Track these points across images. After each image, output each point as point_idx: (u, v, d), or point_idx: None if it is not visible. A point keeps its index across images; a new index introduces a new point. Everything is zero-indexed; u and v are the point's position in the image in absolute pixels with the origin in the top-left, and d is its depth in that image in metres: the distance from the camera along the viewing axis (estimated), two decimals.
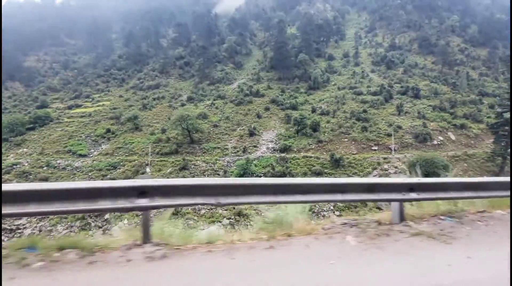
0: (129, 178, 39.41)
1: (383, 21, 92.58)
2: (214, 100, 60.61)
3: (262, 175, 36.66)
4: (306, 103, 56.27)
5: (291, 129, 46.71)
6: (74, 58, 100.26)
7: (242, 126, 49.57)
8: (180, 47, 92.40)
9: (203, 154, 43.08)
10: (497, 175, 33.73)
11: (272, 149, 42.76)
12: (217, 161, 40.30)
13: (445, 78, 59.02)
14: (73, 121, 57.38)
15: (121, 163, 42.89)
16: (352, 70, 66.18)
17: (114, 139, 50.73)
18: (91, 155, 47.58)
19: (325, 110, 50.57)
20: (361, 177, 34.52)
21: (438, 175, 29.44)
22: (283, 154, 39.80)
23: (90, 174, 41.99)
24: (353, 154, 39.55)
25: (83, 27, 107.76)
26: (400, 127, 42.52)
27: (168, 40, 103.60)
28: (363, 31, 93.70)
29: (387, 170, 34.40)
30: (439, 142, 39.91)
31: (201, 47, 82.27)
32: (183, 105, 60.02)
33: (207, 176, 37.35)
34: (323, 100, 55.48)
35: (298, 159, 38.79)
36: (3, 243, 3.02)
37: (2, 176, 37.14)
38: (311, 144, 42.21)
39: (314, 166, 36.80)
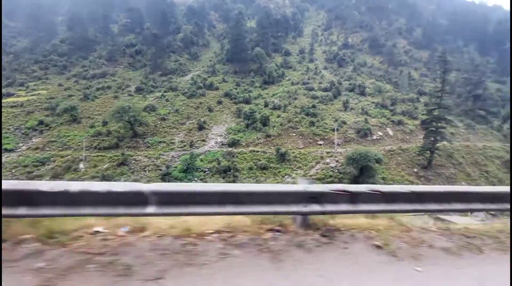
0: (59, 174, 35.71)
1: (338, 20, 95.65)
2: (165, 92, 57.58)
3: (207, 170, 35.61)
4: (260, 97, 56.01)
5: (241, 123, 46.06)
6: (13, 41, 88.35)
7: (192, 120, 47.70)
8: (131, 34, 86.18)
9: (147, 149, 40.57)
10: (425, 168, 36.71)
11: (221, 144, 41.74)
12: (161, 156, 38.18)
13: (390, 77, 62.82)
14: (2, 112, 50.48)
15: (51, 159, 38.65)
16: (306, 66, 67.33)
17: (47, 132, 45.66)
18: (19, 149, 42.33)
19: (277, 104, 50.69)
20: (305, 170, 35.24)
21: (372, 168, 30.90)
22: (230, 149, 39.00)
23: (13, 171, 37.26)
24: (299, 148, 40.15)
25: (25, 8, 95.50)
26: (344, 123, 44.13)
27: (119, 26, 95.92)
28: (320, 29, 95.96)
29: (328, 164, 35.43)
30: (378, 137, 42.20)
31: (155, 35, 77.65)
32: (130, 96, 56.11)
33: (148, 172, 35.27)
34: (276, 94, 55.59)
35: (245, 153, 38.30)
36: None
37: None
38: (260, 139, 41.98)
39: (260, 160, 36.63)
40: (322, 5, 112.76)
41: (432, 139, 36.58)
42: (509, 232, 4.02)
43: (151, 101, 53.57)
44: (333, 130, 42.53)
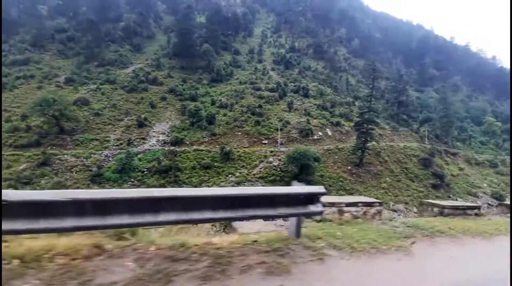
0: None
1: (287, 24, 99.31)
2: (101, 84, 52.39)
3: (145, 170, 33.42)
4: (207, 95, 54.90)
5: (186, 121, 44.45)
6: None
7: (131, 116, 44.32)
8: (63, 18, 76.64)
9: (75, 147, 36.30)
10: (357, 165, 40.25)
11: (163, 142, 39.62)
12: (92, 156, 34.53)
13: (330, 81, 67.45)
14: None
15: None
16: (254, 66, 68.24)
17: None
18: None
19: (224, 103, 50.27)
20: (248, 169, 35.54)
21: (310, 166, 32.57)
22: (172, 148, 37.28)
23: None
24: (244, 147, 40.39)
25: None
26: (288, 123, 45.88)
27: (49, 8, 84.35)
28: (270, 31, 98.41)
29: (271, 162, 36.35)
30: (318, 137, 44.90)
31: (91, 22, 69.99)
32: (59, 87, 49.59)
33: (75, 173, 31.60)
34: (223, 93, 55.10)
35: (189, 152, 37.02)
36: None
37: None
38: (205, 137, 41.06)
39: (204, 159, 35.79)
40: (272, 8, 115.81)
41: (363, 139, 40.23)
42: None
43: (83, 94, 48.21)
44: (277, 129, 43.85)
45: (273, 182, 33.61)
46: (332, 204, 5.50)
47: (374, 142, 41.76)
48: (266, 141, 41.77)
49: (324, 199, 3.97)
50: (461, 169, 49.58)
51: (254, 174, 34.54)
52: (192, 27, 71.74)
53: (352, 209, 5.64)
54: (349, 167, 39.46)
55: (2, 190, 2.24)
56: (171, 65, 65.36)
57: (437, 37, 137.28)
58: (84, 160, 33.75)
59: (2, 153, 33.96)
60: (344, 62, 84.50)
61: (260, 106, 48.82)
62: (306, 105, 53.33)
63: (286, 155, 33.24)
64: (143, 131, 41.55)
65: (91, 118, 42.32)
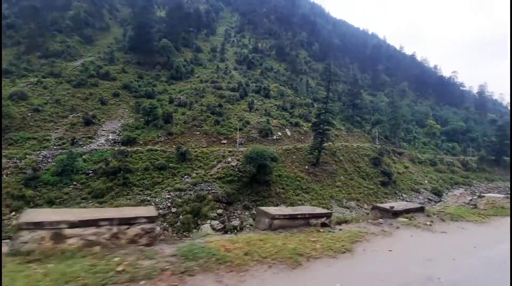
0: None
1: (250, 24, 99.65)
2: (44, 77, 47.24)
3: (90, 172, 30.72)
4: (165, 92, 52.57)
5: (141, 119, 41.98)
6: None
7: (78, 113, 40.58)
8: (3, 4, 67.69)
9: (8, 147, 32.07)
10: (314, 165, 41.53)
11: (113, 142, 36.87)
12: (27, 156, 30.78)
13: (291, 83, 69.10)
14: None
15: None
16: (216, 65, 67.17)
17: None
18: None
19: (183, 101, 48.55)
20: (206, 169, 34.59)
21: (267, 166, 32.74)
22: (123, 147, 34.85)
23: None
24: (202, 147, 39.34)
25: None
26: (248, 123, 45.78)
27: None
28: (233, 31, 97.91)
29: (230, 162, 35.83)
30: (278, 137, 45.52)
31: (35, 8, 62.94)
32: None
33: (6, 176, 27.91)
34: (183, 91, 53.25)
35: (142, 152, 34.91)
36: None
37: None
38: (160, 137, 39.13)
39: (158, 160, 34.03)
40: (236, 7, 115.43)
41: (320, 139, 41.65)
42: None
43: (21, 88, 42.98)
44: (237, 129, 43.51)
45: (231, 183, 33.17)
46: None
47: (330, 142, 43.42)
48: (225, 141, 41.15)
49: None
50: (406, 167, 53.98)
51: (211, 175, 33.71)
52: (151, 21, 68.31)
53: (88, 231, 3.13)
54: (306, 167, 40.55)
55: None
56: (126, 59, 61.42)
57: (389, 46, 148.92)
58: (18, 161, 29.93)
59: None
60: (305, 65, 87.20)
61: (220, 106, 48.04)
62: (267, 105, 53.82)
63: (244, 155, 33.00)
64: (90, 129, 38.23)
65: (29, 114, 37.84)
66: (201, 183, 32.33)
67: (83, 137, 36.33)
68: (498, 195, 16.62)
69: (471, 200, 22.84)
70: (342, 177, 41.88)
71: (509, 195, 16.82)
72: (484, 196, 16.64)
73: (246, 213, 30.44)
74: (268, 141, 44.04)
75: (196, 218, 27.66)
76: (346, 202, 36.73)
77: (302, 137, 48.41)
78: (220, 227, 27.01)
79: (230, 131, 43.17)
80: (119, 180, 29.86)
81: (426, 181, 52.53)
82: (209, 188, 31.87)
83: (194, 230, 26.00)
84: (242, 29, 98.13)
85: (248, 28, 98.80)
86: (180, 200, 29.15)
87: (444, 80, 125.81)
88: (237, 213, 29.99)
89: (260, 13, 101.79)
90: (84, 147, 34.92)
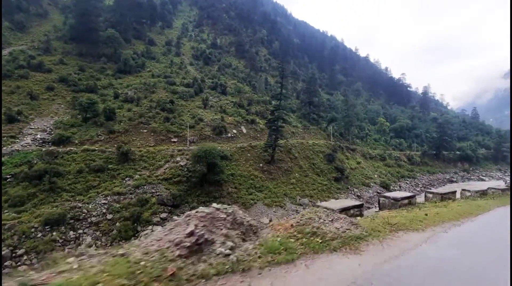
0: None
1: (210, 19, 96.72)
2: None
3: (8, 177, 26.38)
4: (111, 87, 48.10)
5: (78, 116, 37.59)
6: None
7: None
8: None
9: None
10: (269, 162, 40.99)
11: (41, 141, 32.34)
12: None
13: (250, 80, 68.20)
14: None
15: None
16: (171, 59, 63.63)
17: None
18: None
19: (130, 97, 44.78)
20: (151, 170, 31.99)
21: (217, 165, 31.25)
22: (52, 148, 30.68)
23: None
24: (149, 146, 36.47)
25: None
26: (201, 120, 43.72)
27: None
28: (192, 25, 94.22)
29: (178, 162, 33.62)
30: (233, 135, 44.19)
31: None
32: None
33: None
34: (131, 85, 49.24)
35: (76, 153, 31.06)
36: None
37: None
38: (100, 135, 35.34)
39: (96, 161, 30.56)
40: (195, 1, 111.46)
41: (274, 136, 41.19)
42: None
43: None
44: (190, 127, 41.28)
45: (179, 184, 31.06)
46: None
47: (284, 140, 43.24)
48: (175, 140, 38.66)
49: None
50: (358, 162, 56.30)
51: (157, 176, 31.21)
52: (96, 8, 62.24)
53: None
54: (261, 165, 39.82)
55: None
56: (66, 50, 55.13)
57: (345, 48, 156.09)
58: None
59: None
60: (264, 63, 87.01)
61: (172, 102, 45.24)
62: (223, 102, 52.17)
63: (191, 154, 31.03)
64: (13, 127, 33.13)
65: None
66: (145, 185, 29.73)
67: (4, 137, 31.24)
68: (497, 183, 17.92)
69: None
70: (297, 174, 41.96)
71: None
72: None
73: None
74: (222, 139, 42.50)
75: (135, 224, 25.17)
76: (300, 199, 36.72)
77: (258, 135, 47.68)
78: None
79: (181, 129, 40.75)
80: (44, 185, 26.01)
81: (376, 176, 55.27)
82: (153, 191, 29.43)
83: (133, 238, 23.56)
84: (201, 24, 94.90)
85: (207, 23, 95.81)
86: (118, 206, 26.32)
87: (393, 81, 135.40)
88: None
89: (220, 8, 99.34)
90: (5, 148, 30.02)
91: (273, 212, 32.68)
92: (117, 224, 24.66)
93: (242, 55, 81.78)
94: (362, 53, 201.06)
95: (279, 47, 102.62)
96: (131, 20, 71.78)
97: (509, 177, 52.55)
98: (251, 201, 32.86)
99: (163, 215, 27.17)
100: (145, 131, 38.68)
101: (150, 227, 25.29)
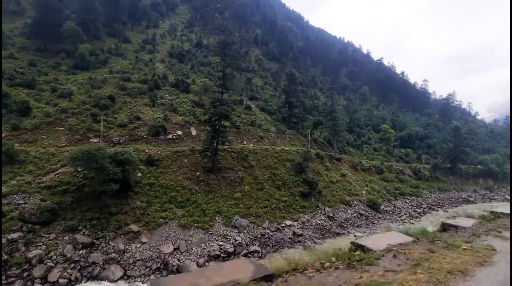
0: None
1: (201, 19, 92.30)
2: None
3: None
4: (55, 82, 43.28)
5: None
6: None
7: None
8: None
9: None
10: (209, 171, 33.08)
11: None
12: None
13: (229, 78, 61.24)
14: None
15: None
16: (136, 56, 58.58)
17: None
18: None
19: (66, 92, 39.40)
20: (36, 175, 25.40)
21: (104, 170, 23.55)
22: None
23: None
24: (59, 146, 30.21)
25: None
26: (138, 118, 37.05)
27: None
28: (183, 25, 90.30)
29: (78, 166, 26.77)
30: (175, 137, 37.00)
31: None
32: None
33: None
34: (76, 81, 44.18)
35: None
36: None
37: None
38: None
39: None
40: (191, 2, 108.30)
41: (214, 138, 33.44)
42: None
43: None
44: (122, 126, 34.77)
45: (65, 194, 24.12)
46: None
47: (226, 143, 35.28)
48: (96, 140, 32.14)
49: None
50: (343, 175, 46.58)
51: (39, 183, 24.57)
52: (56, 3, 58.71)
53: None
54: (197, 173, 32.03)
55: None
56: (24, 45, 51.85)
57: (356, 50, 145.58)
58: None
59: None
60: (255, 63, 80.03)
61: (111, 98, 39.20)
62: (180, 100, 45.44)
63: (68, 157, 23.95)
64: None
65: None
66: (16, 194, 23.15)
67: None
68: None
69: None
70: (247, 186, 33.61)
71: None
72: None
73: (68, 237, 21.43)
74: (159, 140, 35.42)
75: None
76: (236, 220, 28.30)
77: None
78: None
79: (109, 128, 34.28)
80: None
81: (364, 192, 45.17)
82: (22, 202, 22.71)
83: None
84: (192, 24, 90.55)
85: (198, 23, 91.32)
86: None
87: (409, 86, 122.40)
88: (48, 238, 20.91)
89: (213, 9, 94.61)
90: None
91: (189, 236, 24.61)
92: None
93: (228, 54, 75.34)
94: (376, 56, 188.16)
95: (277, 48, 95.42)
96: (108, 19, 68.49)
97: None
98: (161, 220, 25.08)
99: (15, 235, 20.20)
100: (62, 128, 32.62)
101: None
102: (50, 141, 30.71)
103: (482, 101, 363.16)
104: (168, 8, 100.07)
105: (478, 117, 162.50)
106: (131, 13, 74.01)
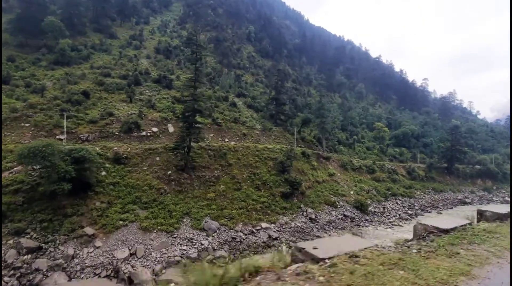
0: None
1: (194, 16, 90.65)
2: None
3: None
4: (32, 77, 41.80)
5: None
6: None
7: None
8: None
9: None
10: (182, 169, 31.34)
11: None
12: None
13: (214, 75, 59.54)
14: None
15: None
16: (120, 51, 57.05)
17: None
18: None
19: (39, 87, 37.89)
20: None
21: (55, 168, 21.49)
22: None
23: None
24: (22, 143, 28.62)
25: None
26: (111, 114, 35.40)
27: None
28: (175, 22, 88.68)
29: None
30: (150, 134, 35.34)
31: None
32: None
33: None
34: (53, 76, 42.69)
35: None
36: None
37: None
38: None
39: None
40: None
41: (186, 135, 31.61)
42: None
43: None
44: (92, 122, 33.15)
45: (16, 193, 22.49)
46: None
47: (199, 141, 33.47)
48: (63, 137, 30.54)
49: None
50: (331, 174, 44.62)
51: None
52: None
53: None
54: (169, 172, 30.30)
55: None
56: (5, 41, 50.41)
57: (354, 48, 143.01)
58: None
59: None
60: (246, 60, 78.20)
61: (85, 93, 37.61)
62: (160, 96, 43.77)
63: (16, 154, 22.33)
64: None
65: None
66: None
67: None
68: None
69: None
70: (222, 186, 31.82)
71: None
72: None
73: (12, 241, 19.79)
74: (132, 137, 33.76)
75: None
76: (206, 222, 26.52)
77: None
78: None
79: (78, 124, 32.68)
80: None
81: (352, 192, 43.19)
82: None
83: None
84: (184, 21, 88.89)
85: (190, 19, 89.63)
86: None
87: (407, 84, 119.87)
88: None
89: (206, 5, 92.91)
90: None
91: (149, 240, 22.87)
92: None
93: (220, 51, 73.71)
94: (374, 54, 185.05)
95: (271, 45, 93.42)
96: (96, 14, 67.07)
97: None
98: (121, 222, 23.36)
99: None
100: (27, 125, 31.06)
101: None
102: (13, 137, 29.17)
103: (486, 101, 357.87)
104: (162, 4, 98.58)
105: (480, 117, 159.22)
106: (121, 9, 72.48)
